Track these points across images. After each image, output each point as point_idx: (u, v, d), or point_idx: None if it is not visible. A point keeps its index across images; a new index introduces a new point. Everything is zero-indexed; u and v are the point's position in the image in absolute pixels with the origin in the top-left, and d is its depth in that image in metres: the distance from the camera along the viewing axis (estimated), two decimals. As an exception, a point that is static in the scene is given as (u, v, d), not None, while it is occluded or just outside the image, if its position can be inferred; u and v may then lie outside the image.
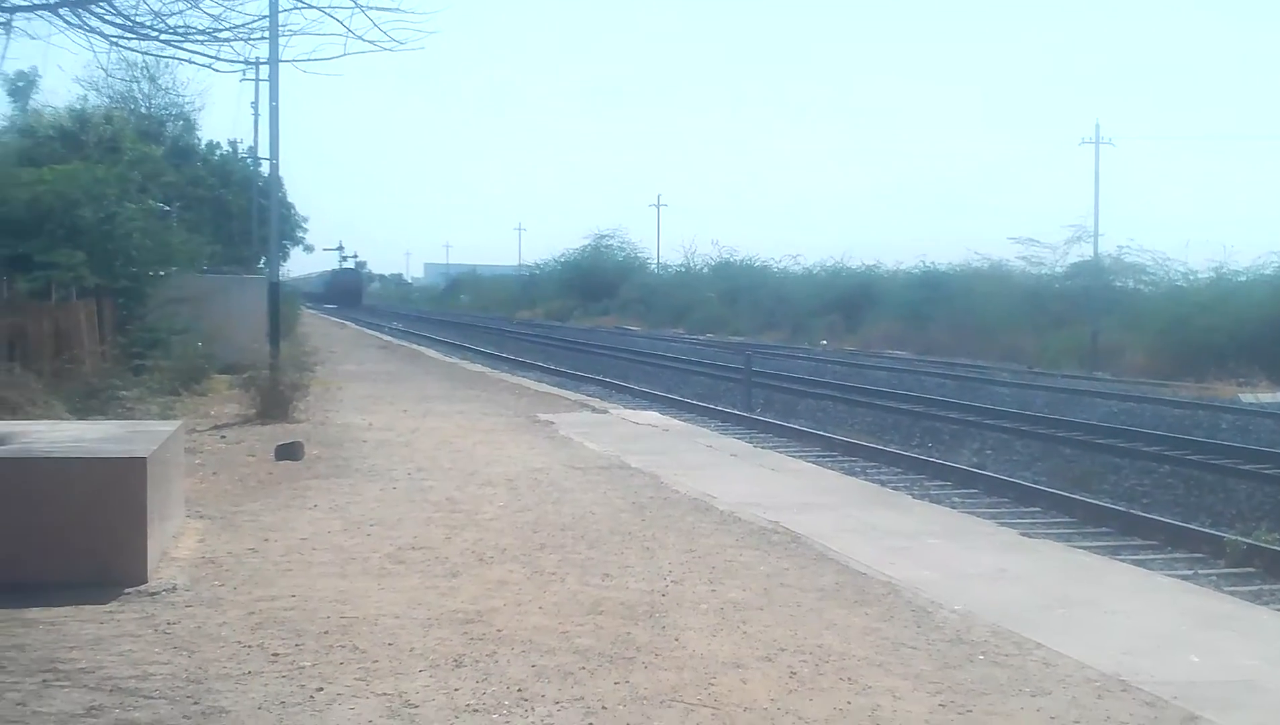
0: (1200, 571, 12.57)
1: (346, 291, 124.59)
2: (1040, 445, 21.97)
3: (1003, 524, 13.45)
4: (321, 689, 6.48)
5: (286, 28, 15.08)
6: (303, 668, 6.83)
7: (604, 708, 6.28)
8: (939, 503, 15.21)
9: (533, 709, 6.24)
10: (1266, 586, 12.12)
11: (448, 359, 39.02)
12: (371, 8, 12.47)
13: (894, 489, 15.95)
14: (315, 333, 46.35)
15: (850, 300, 66.47)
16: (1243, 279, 48.75)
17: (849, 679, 6.80)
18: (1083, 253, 59.72)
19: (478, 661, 6.99)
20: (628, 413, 22.79)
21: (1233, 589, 11.44)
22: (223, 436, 17.50)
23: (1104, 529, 14.69)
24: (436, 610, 8.09)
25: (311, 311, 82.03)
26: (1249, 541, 13.47)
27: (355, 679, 6.65)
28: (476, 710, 6.22)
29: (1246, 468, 18.96)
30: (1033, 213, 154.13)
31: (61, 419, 14.91)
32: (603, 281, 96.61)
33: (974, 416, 26.09)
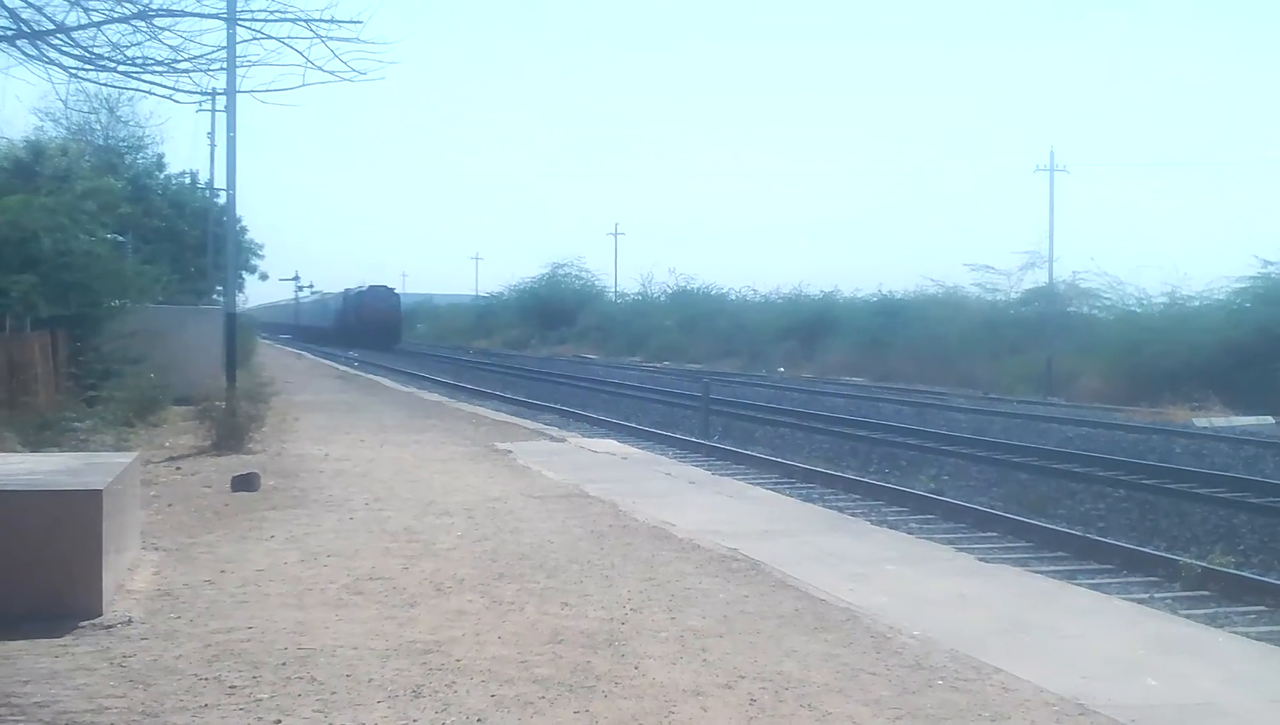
0: (1156, 595, 12.63)
1: (375, 324, 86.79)
2: (996, 471, 22.07)
3: (960, 549, 13.48)
4: (279, 721, 6.44)
5: (245, 58, 15.08)
6: (260, 700, 6.78)
7: (564, 737, 6.26)
8: (896, 528, 15.24)
9: (492, 739, 6.22)
10: (1222, 609, 12.19)
11: (405, 388, 38.92)
12: (331, 38, 12.49)
13: (852, 515, 15.98)
14: (272, 363, 46.11)
15: (807, 327, 66.70)
16: (1195, 304, 49.22)
17: (809, 705, 6.81)
18: (1038, 279, 60.20)
19: (436, 692, 6.95)
20: (586, 441, 22.77)
21: (1189, 612, 11.50)
22: (178, 468, 17.39)
23: (1060, 553, 14.75)
24: (394, 641, 8.05)
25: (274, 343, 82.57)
26: (1204, 564, 13.55)
27: (313, 711, 6.61)
28: (436, 741, 6.19)
29: (1200, 491, 19.09)
30: (989, 239, 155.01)
31: (14, 451, 14.79)
32: (560, 310, 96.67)
33: (931, 442, 26.19)
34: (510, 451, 19.70)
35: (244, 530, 12.29)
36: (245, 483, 15.07)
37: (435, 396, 35.37)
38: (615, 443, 23.13)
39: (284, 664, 7.48)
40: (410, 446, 20.32)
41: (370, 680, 7.16)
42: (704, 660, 7.68)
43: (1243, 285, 47.18)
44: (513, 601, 9.26)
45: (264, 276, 67.46)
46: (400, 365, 57.89)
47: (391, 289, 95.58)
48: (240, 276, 59.56)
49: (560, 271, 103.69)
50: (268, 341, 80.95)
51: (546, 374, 52.79)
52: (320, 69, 12.57)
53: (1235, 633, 10.07)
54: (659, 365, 66.45)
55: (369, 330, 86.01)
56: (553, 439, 22.75)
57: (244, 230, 59.72)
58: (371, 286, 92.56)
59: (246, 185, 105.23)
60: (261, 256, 64.43)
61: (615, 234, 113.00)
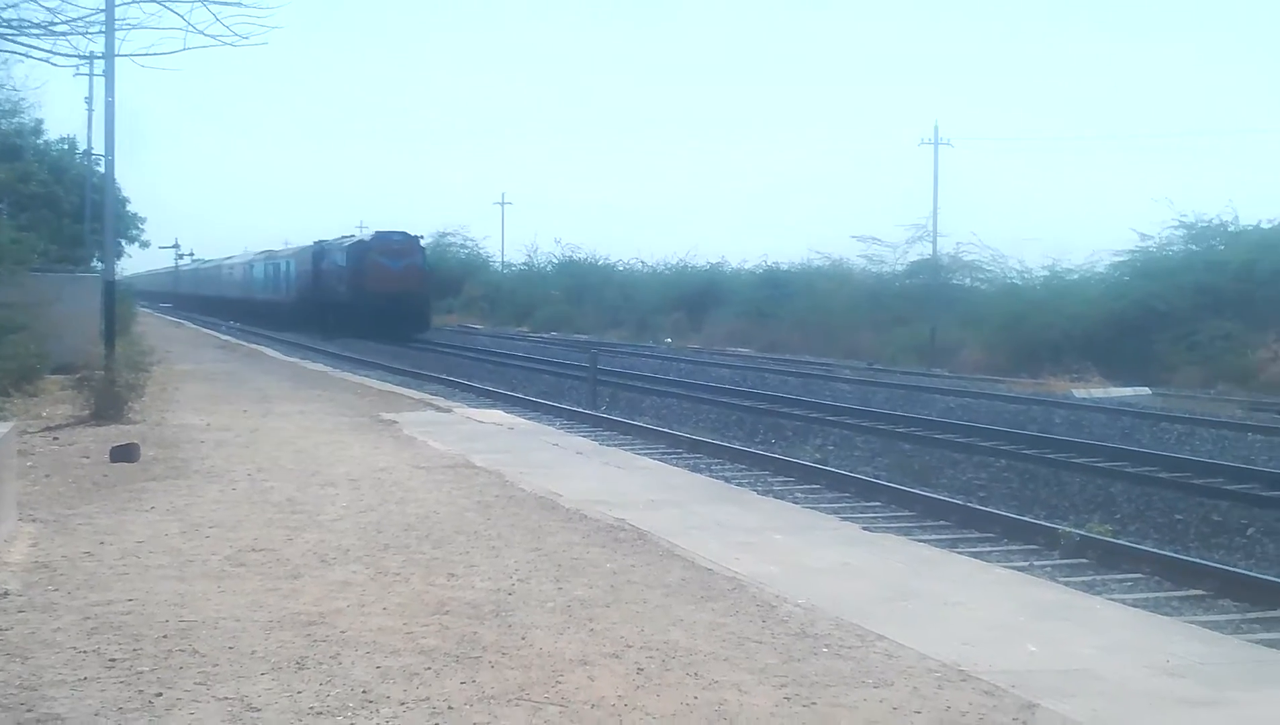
0: (1036, 563, 12.83)
1: (386, 298, 56.21)
2: (881, 441, 22.28)
3: (845, 519, 13.61)
4: (160, 694, 6.34)
5: (125, 21, 14.80)
6: (141, 673, 6.67)
7: (450, 708, 6.23)
8: (783, 498, 15.35)
9: (378, 710, 6.17)
10: (1099, 577, 12.41)
11: (288, 358, 38.50)
12: (213, 2, 12.29)
13: (739, 485, 16.07)
14: (153, 332, 45.39)
15: (695, 299, 66.92)
16: (1075, 277, 50.05)
17: (695, 674, 6.83)
18: (923, 252, 60.90)
19: (321, 663, 6.89)
20: (472, 411, 22.68)
21: (1067, 579, 11.71)
22: (55, 438, 17.07)
23: (943, 522, 14.93)
24: (278, 612, 7.96)
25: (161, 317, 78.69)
26: (1082, 533, 13.78)
27: (195, 683, 6.52)
28: (320, 713, 6.13)
29: (1079, 461, 19.42)
30: (878, 213, 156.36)
31: (-115, 421, 14.42)
32: (445, 279, 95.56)
33: (817, 413, 26.38)
34: (396, 422, 19.56)
35: (123, 501, 12.10)
36: (125, 453, 14.82)
37: (319, 366, 35.04)
38: (502, 413, 23.06)
39: (165, 636, 7.37)
40: (294, 417, 20.11)
41: (253, 652, 7.08)
42: (591, 630, 7.68)
43: (1121, 259, 48.10)
44: (398, 572, 9.20)
45: (145, 244, 66.40)
46: (285, 335, 57.16)
47: (412, 236, 61.37)
48: (120, 244, 58.59)
49: (445, 240, 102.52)
50: (148, 310, 79.60)
51: (432, 344, 52.43)
52: (202, 33, 12.41)
53: (1112, 599, 10.26)
54: (546, 335, 66.31)
55: (372, 307, 55.57)
56: (439, 409, 22.63)
57: (125, 198, 58.74)
58: (380, 233, 60.67)
59: (130, 153, 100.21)
60: (142, 227, 63.41)
61: (502, 203, 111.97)
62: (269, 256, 78.55)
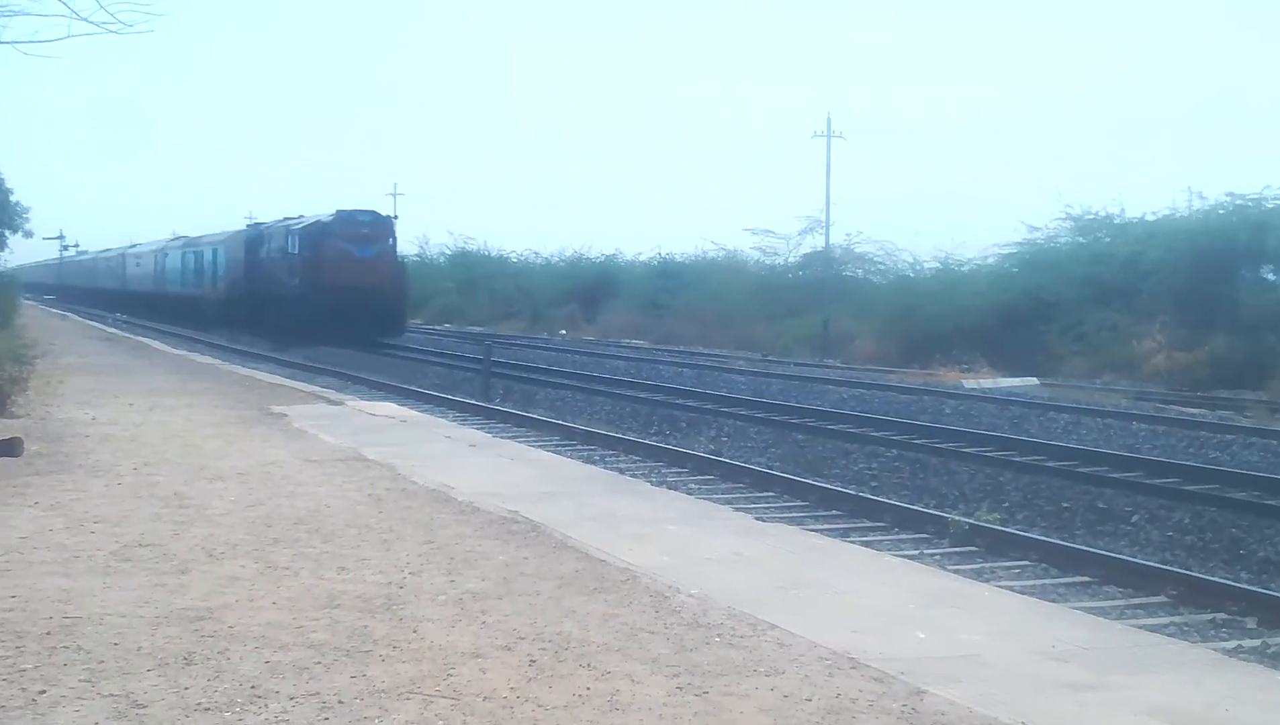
0: (926, 551, 12.98)
1: (355, 292, 45.85)
2: (774, 432, 22.41)
3: (738, 509, 13.69)
4: (44, 691, 6.22)
5: (7, 8, 14.47)
6: (24, 670, 6.54)
7: (340, 702, 6.17)
8: (676, 489, 15.42)
9: (266, 705, 6.10)
10: (987, 564, 12.59)
11: (176, 351, 37.95)
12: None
13: (633, 477, 16.11)
14: (36, 324, 44.57)
15: (589, 290, 66.97)
16: (966, 269, 50.73)
17: (588, 665, 6.82)
18: (815, 244, 61.22)
19: (209, 659, 6.79)
20: (364, 404, 22.51)
21: (956, 567, 11.86)
22: (-65, 433, 16.70)
23: (836, 512, 15.07)
24: (165, 608, 7.84)
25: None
26: (971, 521, 13.98)
27: (80, 680, 6.40)
28: (208, 709, 6.05)
29: (968, 451, 19.67)
30: (773, 205, 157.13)
31: None
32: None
33: (710, 404, 26.50)
34: (286, 415, 19.35)
35: (6, 496, 11.85)
36: (7, 447, 14.52)
37: (208, 359, 34.55)
38: (395, 406, 22.89)
39: (49, 633, 7.23)
40: (181, 410, 19.81)
41: (139, 648, 6.96)
42: (483, 622, 7.64)
43: (1011, 251, 48.82)
44: (288, 567, 9.10)
45: (29, 234, 64.80)
46: (174, 327, 56.32)
47: (384, 217, 50.71)
48: (2, 234, 57.44)
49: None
50: (33, 302, 78.04)
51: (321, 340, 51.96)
52: (86, 20, 12.15)
53: (1000, 587, 10.39)
54: (439, 327, 65.97)
55: (333, 305, 44.86)
56: (330, 403, 22.42)
57: (10, 190, 57.49)
58: (344, 213, 48.08)
59: (11, 143, 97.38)
60: (26, 217, 62.05)
61: (394, 195, 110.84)
62: (189, 244, 67.16)
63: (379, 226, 49.10)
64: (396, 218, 52.40)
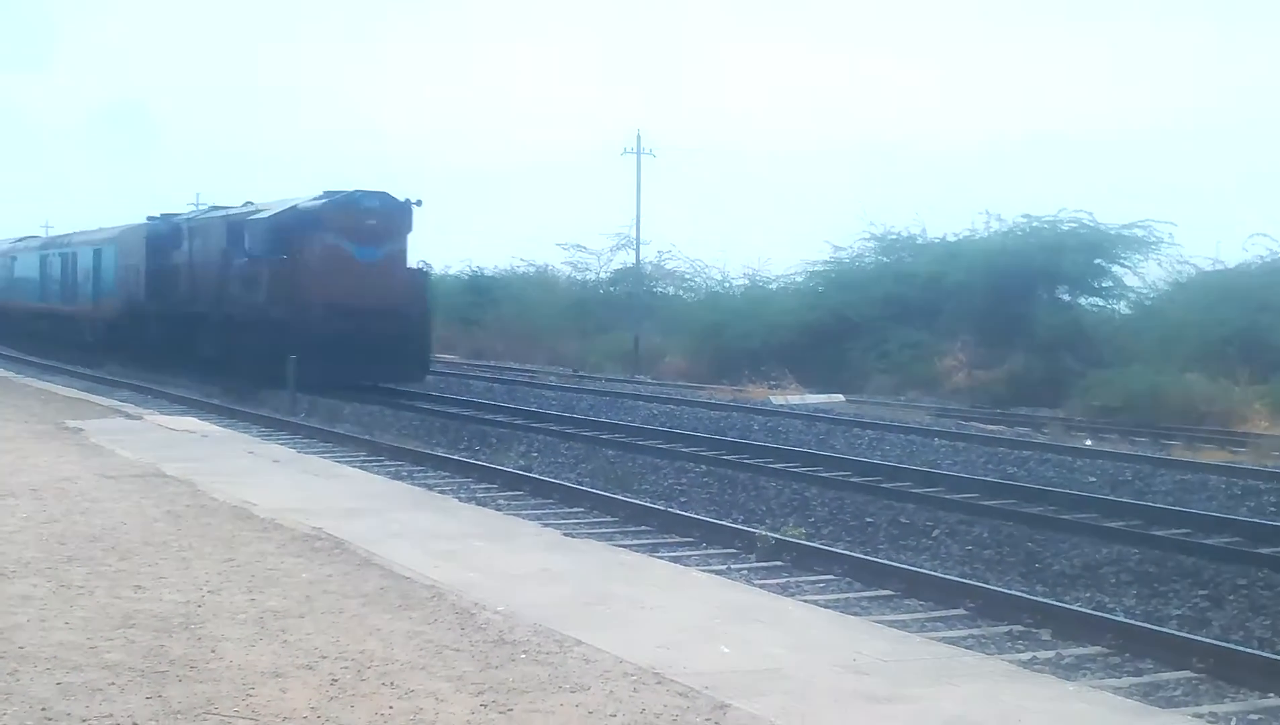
0: (733, 566, 13.07)
1: (374, 324, 30.84)
2: (585, 447, 22.44)
3: (547, 525, 13.66)
4: None
5: None
6: None
7: (135, 724, 5.99)
8: (485, 505, 15.33)
9: (55, 730, 5.90)
10: (793, 578, 12.72)
11: (-31, 364, 36.71)
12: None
13: (441, 493, 15.97)
14: None
15: (398, 304, 66.10)
16: (774, 287, 51.49)
17: (391, 684, 6.73)
18: (626, 260, 61.50)
19: (-5, 682, 6.55)
20: (164, 418, 21.99)
21: (763, 582, 11.96)
22: None
23: (644, 527, 15.10)
24: (-51, 630, 7.55)
25: None
26: (777, 536, 14.11)
27: None
28: (-9, 735, 5.83)
29: (776, 466, 19.91)
30: (583, 220, 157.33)
31: None
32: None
33: (521, 419, 26.47)
34: (83, 429, 18.80)
35: None
36: None
37: (1, 372, 33.48)
38: (196, 420, 22.39)
39: None
40: (-28, 424, 19.15)
41: (-80, 673, 6.69)
42: (284, 641, 7.49)
43: (817, 270, 49.64)
44: (82, 585, 8.82)
45: None
46: (97, 369, 53.89)
47: (400, 201, 33.66)
48: None
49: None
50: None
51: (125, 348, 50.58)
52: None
53: (805, 600, 10.52)
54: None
55: (333, 335, 30.77)
56: (129, 417, 21.84)
57: None
58: (336, 198, 33.26)
59: None
60: None
61: (196, 203, 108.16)
62: (49, 244, 53.11)
63: (392, 216, 33.46)
64: (419, 203, 33.82)
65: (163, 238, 39.25)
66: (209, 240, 36.35)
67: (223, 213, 37.95)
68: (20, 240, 59.75)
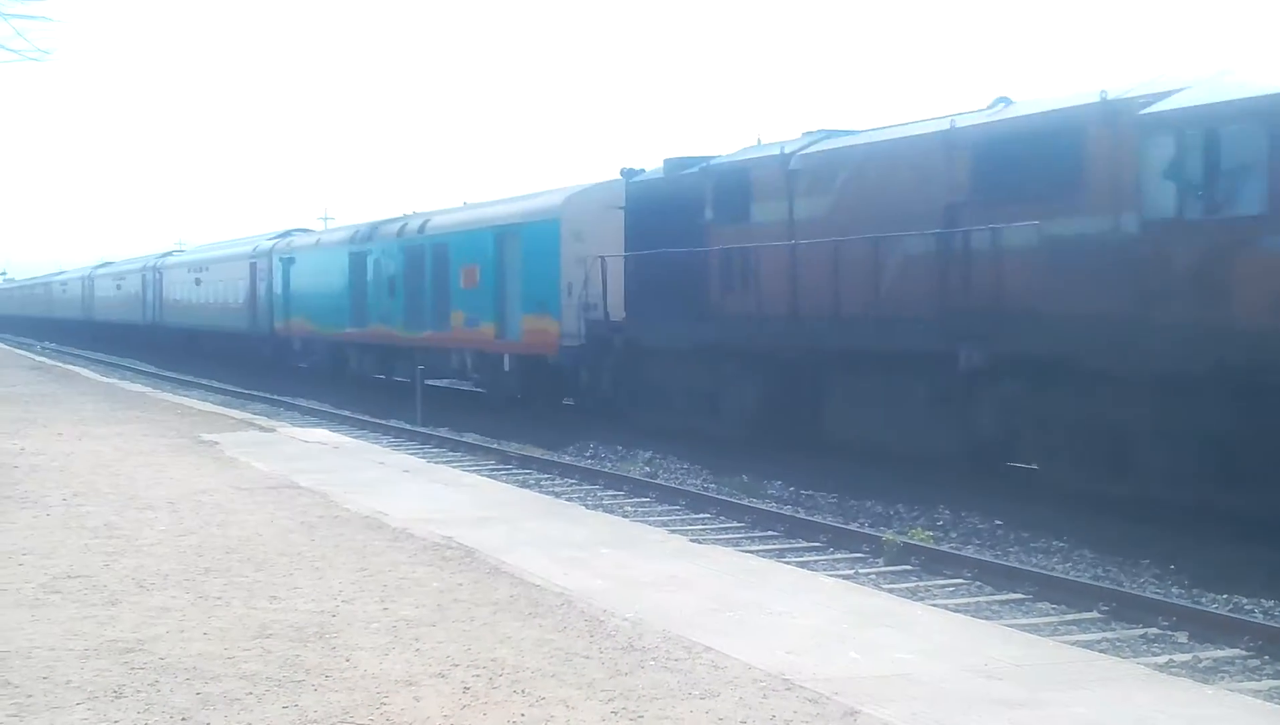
0: (861, 570, 13.01)
1: None
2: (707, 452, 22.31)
3: (674, 532, 13.68)
4: (-32, 729, 6.14)
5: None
6: (-53, 708, 6.45)
7: (273, 733, 6.13)
8: (612, 512, 15.40)
9: (197, 738, 6.05)
10: (921, 583, 12.63)
11: (105, 379, 37.55)
12: (15, 16, 11.95)
13: (568, 500, 16.08)
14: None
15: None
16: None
17: (522, 691, 6.80)
18: None
19: (139, 691, 6.72)
20: (296, 431, 22.36)
21: (890, 586, 11.91)
22: None
23: (771, 532, 15.09)
24: (95, 640, 7.75)
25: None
26: (905, 540, 14.02)
27: (8, 716, 6.31)
28: (137, 743, 5.99)
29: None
30: None
31: None
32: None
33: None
34: (217, 443, 19.19)
35: (-69, 530, 11.69)
36: (-68, 480, 14.28)
37: (138, 387, 34.24)
38: (327, 432, 22.79)
39: (-26, 669, 7.14)
40: (111, 439, 19.61)
41: (69, 682, 6.88)
42: (417, 650, 7.60)
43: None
44: (219, 596, 9.02)
45: None
46: (102, 355, 55.61)
47: None
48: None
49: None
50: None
51: (256, 362, 51.43)
52: (4, 47, 12.01)
53: (933, 605, 10.45)
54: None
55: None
56: (262, 429, 22.25)
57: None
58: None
59: None
60: None
61: None
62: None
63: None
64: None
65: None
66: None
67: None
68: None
